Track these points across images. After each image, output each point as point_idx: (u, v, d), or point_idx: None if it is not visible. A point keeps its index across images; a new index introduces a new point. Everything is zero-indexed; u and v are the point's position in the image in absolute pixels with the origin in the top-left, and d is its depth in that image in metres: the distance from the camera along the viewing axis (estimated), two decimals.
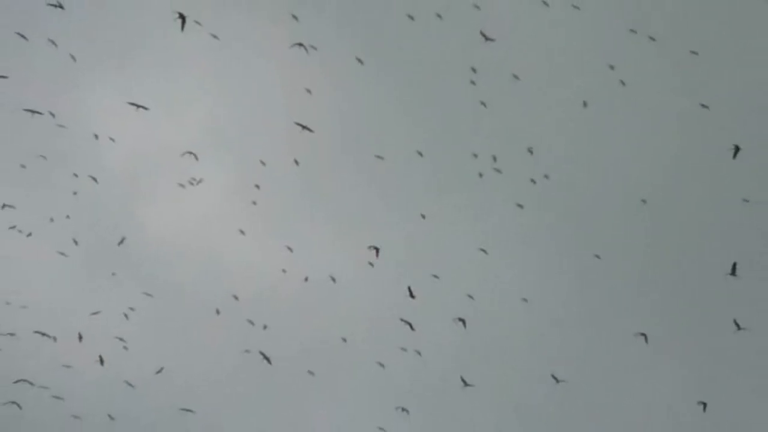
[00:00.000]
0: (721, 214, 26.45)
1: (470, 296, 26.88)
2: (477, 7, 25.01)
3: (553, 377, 25.61)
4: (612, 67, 25.22)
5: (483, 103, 26.35)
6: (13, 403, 25.49)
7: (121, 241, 27.96)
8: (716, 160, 24.75)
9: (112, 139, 27.10)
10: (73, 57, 25.72)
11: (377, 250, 25.33)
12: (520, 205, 26.83)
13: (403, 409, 27.13)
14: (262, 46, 27.41)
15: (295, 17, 24.92)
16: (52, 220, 27.04)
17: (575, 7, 24.51)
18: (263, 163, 27.49)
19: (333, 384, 28.76)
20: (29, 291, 27.35)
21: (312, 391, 28.50)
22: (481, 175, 27.10)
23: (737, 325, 23.33)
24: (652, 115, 26.71)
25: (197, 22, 24.29)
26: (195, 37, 25.24)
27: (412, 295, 24.54)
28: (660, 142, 27.07)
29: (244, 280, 28.15)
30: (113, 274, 28.03)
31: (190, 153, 26.55)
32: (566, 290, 28.16)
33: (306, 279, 27.74)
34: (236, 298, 27.63)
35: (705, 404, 23.80)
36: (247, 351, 26.93)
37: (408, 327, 25.24)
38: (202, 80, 28.46)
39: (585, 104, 25.96)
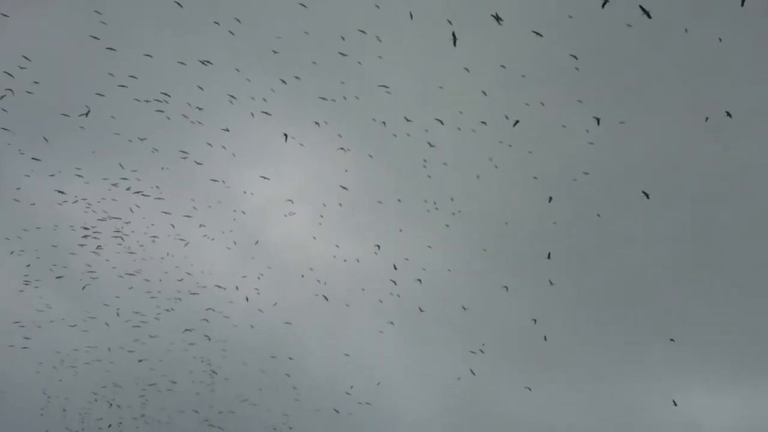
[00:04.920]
0: (540, 232, 41.66)
1: (424, 269, 38.58)
2: (426, 130, 37.41)
3: (463, 307, 38.66)
4: (490, 159, 39.72)
5: (428, 176, 39.38)
6: (204, 319, 39.34)
7: (256, 243, 41.90)
8: (541, 203, 37.91)
9: (251, 193, 40.66)
10: (233, 154, 38.81)
11: (378, 247, 36.54)
12: (447, 225, 40.46)
13: (391, 323, 39.40)
14: (324, 149, 39.99)
15: (340, 135, 37.77)
16: (223, 232, 40.31)
17: (482, 122, 37.96)
18: (324, 205, 40.05)
19: (357, 311, 41.94)
20: (212, 267, 40.21)
21: (347, 314, 42.11)
22: (428, 210, 39.51)
23: (550, 281, 39.18)
24: (514, 182, 42.08)
25: (292, 137, 36.25)
26: (291, 145, 37.46)
27: (395, 268, 36.06)
28: (519, 195, 42.80)
29: (314, 261, 40.76)
30: (252, 258, 41.66)
31: (289, 200, 40.21)
32: (474, 266, 42.69)
33: (345, 260, 40.11)
34: (311, 269, 40.24)
35: (534, 320, 39.48)
36: (316, 294, 39.26)
37: (393, 283, 36.89)
38: (294, 164, 42.44)
39: (478, 177, 40.46)
